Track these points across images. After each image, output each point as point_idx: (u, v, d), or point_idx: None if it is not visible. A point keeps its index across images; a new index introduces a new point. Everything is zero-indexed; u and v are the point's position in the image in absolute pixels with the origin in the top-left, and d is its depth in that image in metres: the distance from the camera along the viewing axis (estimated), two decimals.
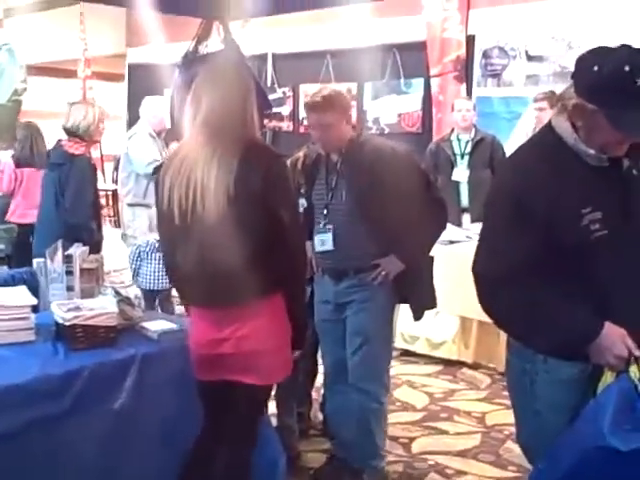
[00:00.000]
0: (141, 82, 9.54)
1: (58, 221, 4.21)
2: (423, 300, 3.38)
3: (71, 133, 4.32)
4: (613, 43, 4.17)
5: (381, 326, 3.28)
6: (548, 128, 2.17)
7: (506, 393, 4.41)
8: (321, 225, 3.21)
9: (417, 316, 3.41)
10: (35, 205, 4.92)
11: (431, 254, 3.44)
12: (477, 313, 4.85)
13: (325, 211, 3.20)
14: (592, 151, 2.06)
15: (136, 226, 6.18)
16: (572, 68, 6.33)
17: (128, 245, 6.27)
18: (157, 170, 4.58)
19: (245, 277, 2.34)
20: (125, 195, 6.40)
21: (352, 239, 3.16)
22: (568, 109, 2.09)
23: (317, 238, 3.22)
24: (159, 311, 5.56)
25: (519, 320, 2.14)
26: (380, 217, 3.08)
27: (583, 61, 2.06)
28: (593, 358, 2.07)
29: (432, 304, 3.48)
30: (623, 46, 2.03)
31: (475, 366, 5.13)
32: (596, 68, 1.98)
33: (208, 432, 2.59)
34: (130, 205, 6.20)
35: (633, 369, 2.03)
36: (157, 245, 5.41)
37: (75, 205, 4.24)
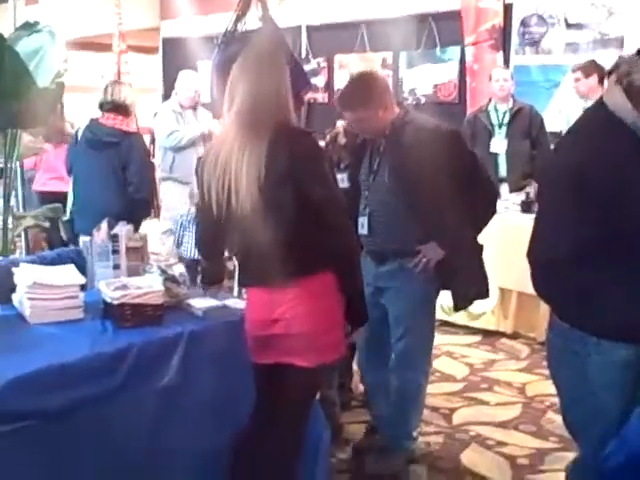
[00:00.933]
0: (175, 55, 9.56)
1: (115, 198, 4.28)
2: (466, 290, 3.26)
3: (112, 110, 4.38)
4: None
5: (421, 316, 3.25)
6: (601, 107, 2.10)
7: (546, 363, 4.47)
8: (362, 207, 3.21)
9: (458, 307, 3.34)
10: (54, 176, 5.23)
11: (480, 241, 3.32)
12: (516, 284, 4.92)
13: (366, 193, 3.19)
14: None
15: (167, 200, 6.30)
16: (613, 35, 6.25)
17: (165, 220, 6.38)
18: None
19: (287, 257, 2.35)
20: (157, 169, 6.46)
21: (392, 223, 3.12)
22: (624, 85, 2.02)
23: (359, 220, 3.21)
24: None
25: (575, 302, 2.12)
26: (421, 201, 3.03)
27: None
28: None
29: (480, 295, 3.35)
30: None
31: (514, 336, 5.15)
32: None
33: (262, 413, 2.61)
34: (162, 179, 6.34)
35: None
36: None
37: (141, 181, 4.42)
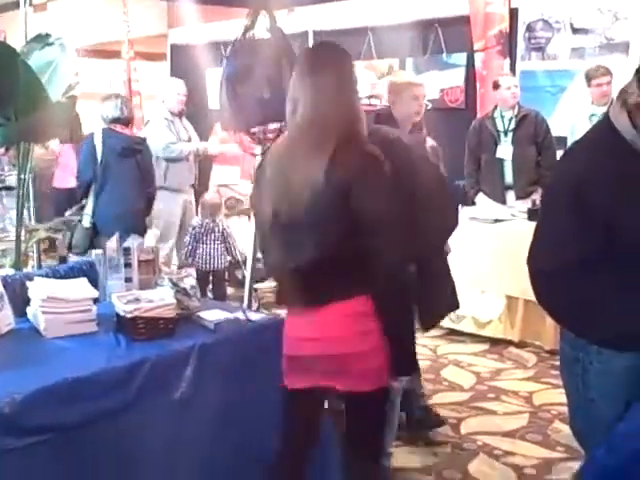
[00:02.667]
0: (183, 62, 9.62)
1: (139, 197, 5.09)
2: (433, 307, 2.95)
3: (122, 122, 4.85)
4: None
5: None
6: (606, 123, 2.15)
7: (553, 372, 4.50)
8: None
9: (425, 326, 3.00)
10: (70, 174, 6.14)
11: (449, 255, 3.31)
12: (523, 292, 4.94)
13: None
14: None
15: (160, 208, 6.38)
16: (619, 40, 6.23)
17: (157, 227, 6.44)
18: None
19: (331, 277, 2.30)
20: None
21: None
22: (628, 105, 2.07)
23: None
24: (210, 289, 5.75)
25: (574, 311, 2.16)
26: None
27: None
28: None
29: (450, 308, 3.28)
30: None
31: (521, 345, 5.17)
32: None
33: (299, 437, 2.56)
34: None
35: None
36: (212, 226, 5.60)
37: (152, 179, 5.32)
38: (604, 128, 2.15)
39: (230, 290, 6.26)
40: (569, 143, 5.82)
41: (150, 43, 10.23)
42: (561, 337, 2.40)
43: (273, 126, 3.53)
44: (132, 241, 3.13)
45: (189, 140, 6.44)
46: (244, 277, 5.91)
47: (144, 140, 5.19)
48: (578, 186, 2.06)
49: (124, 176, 4.99)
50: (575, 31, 6.61)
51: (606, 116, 2.17)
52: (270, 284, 5.74)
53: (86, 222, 4.91)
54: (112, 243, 3.16)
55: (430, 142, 3.76)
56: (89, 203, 4.96)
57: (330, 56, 2.45)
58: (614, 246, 2.05)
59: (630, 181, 2.04)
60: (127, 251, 3.09)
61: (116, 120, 4.91)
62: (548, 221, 2.22)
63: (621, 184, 2.03)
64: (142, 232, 4.81)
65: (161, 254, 6.19)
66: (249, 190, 6.21)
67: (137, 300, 2.83)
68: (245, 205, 6.41)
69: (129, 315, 2.74)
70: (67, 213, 5.26)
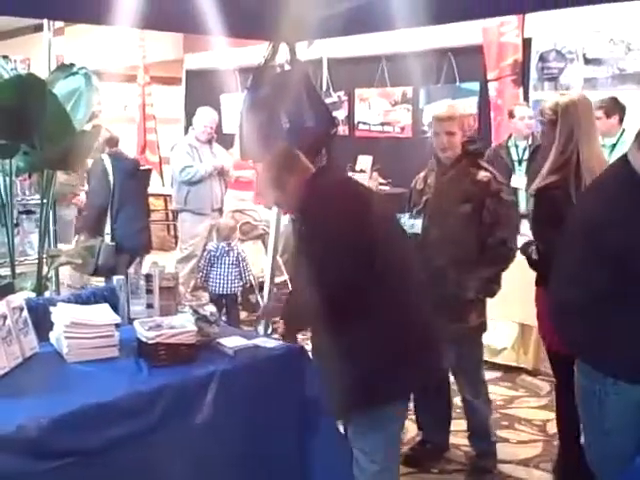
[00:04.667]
0: (198, 87, 9.75)
1: (145, 214, 5.63)
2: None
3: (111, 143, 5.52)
4: None
5: None
6: (623, 162, 2.21)
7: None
8: None
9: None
10: None
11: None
12: (536, 319, 4.94)
13: None
14: None
15: (184, 231, 6.54)
16: (631, 70, 6.26)
17: (180, 250, 6.60)
18: None
19: None
20: (172, 201, 7.10)
21: None
22: None
23: None
24: (223, 313, 5.81)
25: (592, 344, 2.21)
26: None
27: None
28: None
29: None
30: None
31: (535, 372, 5.17)
32: None
33: None
34: (177, 211, 6.79)
35: None
36: (227, 249, 5.66)
37: None
38: (621, 168, 2.21)
39: (243, 314, 6.30)
40: None
41: (166, 68, 10.37)
42: (577, 368, 2.44)
43: None
44: (154, 268, 3.17)
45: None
46: (257, 302, 5.97)
47: (139, 162, 5.91)
48: (595, 225, 2.12)
49: (135, 194, 5.51)
50: (588, 62, 6.68)
51: (624, 156, 2.22)
52: None
53: (108, 240, 5.16)
54: (133, 269, 3.21)
55: (481, 175, 3.54)
56: (107, 224, 5.16)
57: None
58: (628, 282, 2.09)
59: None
60: (149, 277, 3.14)
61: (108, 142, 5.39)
62: (566, 257, 2.27)
63: (631, 224, 2.08)
64: (149, 249, 5.69)
65: (181, 274, 6.34)
66: (264, 215, 6.35)
67: (159, 326, 2.87)
68: (260, 230, 6.46)
69: (151, 341, 2.78)
70: (81, 239, 5.41)
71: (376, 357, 2.62)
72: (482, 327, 3.80)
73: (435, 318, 2.87)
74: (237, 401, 2.78)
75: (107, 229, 5.18)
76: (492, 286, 3.64)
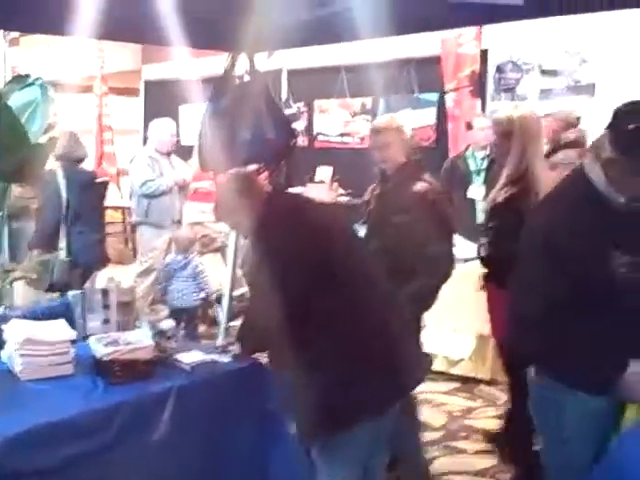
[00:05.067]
0: (157, 98, 9.68)
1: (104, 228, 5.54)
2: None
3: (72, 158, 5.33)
4: (625, 57, 4.31)
5: None
6: (580, 173, 2.24)
7: None
8: None
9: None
10: None
11: None
12: (493, 330, 4.97)
13: None
14: (622, 199, 2.14)
15: (143, 244, 6.46)
16: (585, 82, 6.35)
17: (139, 263, 6.50)
18: None
19: None
20: (131, 214, 6.94)
21: None
22: (602, 158, 2.16)
23: None
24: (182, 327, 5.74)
25: (549, 355, 2.23)
26: None
27: (618, 117, 2.13)
28: (620, 393, 2.16)
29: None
30: None
31: (492, 382, 5.18)
32: (631, 127, 2.06)
33: None
34: (137, 224, 6.62)
35: None
36: (184, 263, 5.60)
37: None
38: (578, 178, 2.24)
39: (202, 328, 6.23)
40: None
41: (124, 78, 10.27)
42: (534, 378, 2.45)
43: (252, 167, 3.57)
44: (110, 283, 3.12)
45: None
46: (217, 315, 5.91)
47: (96, 174, 5.74)
48: (551, 236, 2.15)
49: (90, 208, 5.32)
50: (543, 73, 6.79)
51: (580, 167, 2.25)
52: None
53: (62, 256, 4.97)
54: (90, 283, 3.15)
55: (418, 186, 3.44)
56: (62, 238, 5.00)
57: None
58: (588, 292, 2.12)
59: (599, 230, 2.13)
60: (105, 293, 3.09)
61: (67, 156, 5.18)
62: (523, 269, 2.29)
63: (591, 234, 2.11)
64: (106, 263, 5.47)
65: (141, 287, 6.26)
66: (223, 227, 6.30)
67: (115, 342, 2.83)
68: (219, 243, 6.41)
69: (106, 358, 2.74)
70: (34, 254, 5.29)
71: (340, 373, 2.58)
72: None
73: (405, 333, 2.84)
74: (195, 417, 2.75)
75: (62, 243, 5.01)
76: (424, 302, 3.48)
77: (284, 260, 2.52)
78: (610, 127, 2.13)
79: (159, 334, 2.96)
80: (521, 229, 2.44)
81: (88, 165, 6.78)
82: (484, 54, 7.10)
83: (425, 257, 3.29)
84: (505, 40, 6.87)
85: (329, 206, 2.99)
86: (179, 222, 6.63)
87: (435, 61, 7.29)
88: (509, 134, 3.27)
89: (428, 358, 3.16)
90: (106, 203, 8.34)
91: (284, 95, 8.43)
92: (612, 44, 6.20)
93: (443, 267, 3.39)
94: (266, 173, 3.90)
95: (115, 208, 9.61)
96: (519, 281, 2.30)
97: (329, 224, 2.79)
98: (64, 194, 5.03)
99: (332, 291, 2.58)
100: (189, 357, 2.95)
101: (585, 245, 2.10)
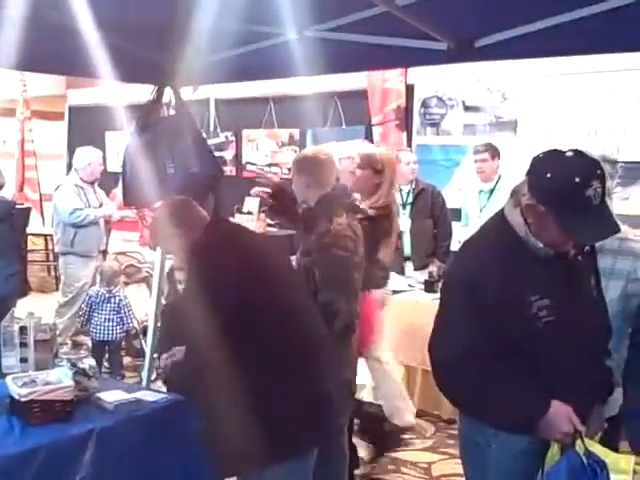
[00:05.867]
0: (82, 123, 9.52)
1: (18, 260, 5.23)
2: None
3: None
4: (544, 95, 4.48)
5: None
6: (501, 218, 2.29)
7: (450, 441, 4.58)
8: None
9: None
10: None
11: None
12: (421, 361, 5.03)
13: None
14: (541, 245, 2.20)
15: (68, 274, 6.32)
16: (507, 118, 6.56)
17: (63, 293, 6.35)
18: None
19: None
20: (56, 243, 6.71)
21: None
22: (521, 205, 2.22)
23: None
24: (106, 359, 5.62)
25: (473, 398, 2.27)
26: None
27: (537, 165, 2.18)
28: (541, 433, 2.21)
29: None
30: (576, 154, 2.16)
31: (419, 414, 5.22)
32: (549, 175, 2.11)
33: None
34: (62, 253, 6.47)
35: (579, 444, 2.18)
36: (108, 296, 5.50)
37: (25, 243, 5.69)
38: (498, 223, 2.29)
39: (127, 359, 6.12)
40: (462, 215, 6.08)
41: (48, 102, 10.08)
42: (459, 420, 2.49)
43: None
44: (29, 319, 3.03)
45: (100, 207, 6.48)
46: (141, 347, 5.81)
47: (15, 203, 5.37)
48: (471, 281, 2.19)
49: (4, 239, 4.98)
50: (467, 109, 6.95)
51: (501, 211, 2.30)
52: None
53: None
54: (7, 320, 3.05)
55: (322, 227, 3.24)
56: None
57: None
58: (508, 338, 2.17)
59: (519, 274, 2.18)
60: (23, 330, 2.99)
61: None
62: (445, 314, 2.33)
63: (510, 278, 2.17)
64: (26, 293, 5.36)
65: (63, 319, 6.11)
66: (148, 257, 6.21)
67: (33, 382, 2.73)
68: (144, 273, 6.32)
69: (24, 398, 2.63)
70: None
71: (264, 408, 2.57)
72: None
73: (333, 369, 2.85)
74: (118, 458, 2.67)
75: None
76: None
77: (222, 280, 2.52)
78: (529, 174, 2.19)
79: (80, 373, 2.87)
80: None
81: (8, 191, 6.61)
82: (410, 89, 7.23)
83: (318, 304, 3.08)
84: (430, 76, 7.03)
85: (267, 236, 3.00)
86: (104, 252, 6.54)
87: (362, 94, 7.39)
88: (380, 171, 3.98)
89: (353, 401, 3.07)
90: (28, 230, 8.14)
91: (212, 124, 8.40)
92: (532, 82, 6.41)
93: (332, 316, 3.12)
94: None
95: (37, 235, 9.37)
96: (440, 325, 2.33)
97: (267, 251, 2.81)
98: None
99: (266, 317, 2.59)
100: (112, 396, 2.87)
101: (506, 290, 2.15)
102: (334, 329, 3.13)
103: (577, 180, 2.07)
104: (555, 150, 2.19)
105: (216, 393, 2.51)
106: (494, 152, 5.84)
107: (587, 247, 2.35)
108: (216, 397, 2.51)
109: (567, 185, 2.08)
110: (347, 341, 3.32)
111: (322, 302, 3.11)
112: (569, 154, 2.15)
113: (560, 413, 2.17)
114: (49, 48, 3.08)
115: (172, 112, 3.86)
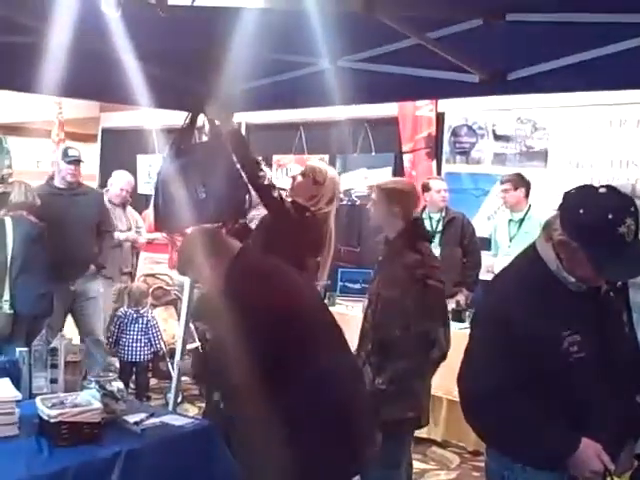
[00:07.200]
0: (114, 146, 9.65)
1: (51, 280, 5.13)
2: None
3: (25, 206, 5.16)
4: (575, 125, 4.43)
5: None
6: (532, 252, 2.29)
7: (475, 474, 4.53)
8: None
9: None
10: None
11: None
12: (446, 391, 5.00)
13: None
14: (573, 279, 2.19)
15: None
16: (537, 148, 6.55)
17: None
18: None
19: None
20: None
21: None
22: (553, 239, 2.21)
23: None
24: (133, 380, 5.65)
25: (502, 434, 2.25)
26: None
27: (570, 200, 2.17)
28: (571, 471, 2.18)
29: None
30: (609, 190, 2.14)
31: (445, 444, 5.19)
32: (582, 211, 2.11)
33: None
34: None
35: None
36: (136, 316, 5.54)
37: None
38: (530, 256, 2.28)
39: (153, 381, 6.15)
40: (492, 245, 6.06)
41: (81, 125, 10.22)
42: (486, 453, 2.47)
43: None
44: (59, 341, 3.06)
45: (128, 229, 6.50)
46: (168, 369, 5.84)
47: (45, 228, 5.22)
48: (503, 317, 2.18)
49: (37, 260, 5.06)
50: (497, 138, 6.94)
51: (533, 245, 2.30)
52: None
53: (6, 308, 4.85)
54: (39, 340, 3.09)
55: (410, 258, 3.28)
56: (5, 289, 4.89)
57: None
58: (541, 374, 2.15)
59: (551, 309, 2.17)
60: (54, 351, 3.03)
61: (21, 206, 5.04)
62: (476, 348, 2.31)
63: (542, 313, 2.15)
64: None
65: None
66: (177, 280, 6.25)
67: (62, 404, 2.76)
68: (172, 296, 6.36)
69: (53, 420, 2.67)
70: None
71: (308, 442, 2.56)
72: (400, 424, 3.31)
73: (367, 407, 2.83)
74: None
75: (6, 295, 4.85)
76: (410, 380, 3.29)
77: (255, 315, 2.52)
78: (562, 209, 2.18)
79: (108, 395, 2.90)
80: None
81: None
82: (440, 117, 7.24)
83: (411, 335, 3.16)
84: (460, 105, 7.02)
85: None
86: (130, 274, 6.57)
87: (392, 122, 7.41)
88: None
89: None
90: None
91: None
92: (562, 112, 6.39)
93: (428, 347, 3.21)
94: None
95: None
96: (472, 358, 2.32)
97: (300, 286, 2.83)
98: (10, 245, 4.92)
99: (299, 353, 2.59)
100: (139, 419, 2.90)
101: (538, 325, 2.14)
102: (431, 358, 3.25)
103: (610, 217, 2.05)
104: (588, 186, 2.19)
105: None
106: (517, 183, 5.82)
107: (619, 282, 2.33)
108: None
109: (600, 222, 2.07)
110: (437, 368, 3.41)
111: (419, 333, 3.18)
112: (602, 190, 2.14)
113: (590, 451, 2.14)
114: (88, 76, 3.15)
115: (205, 138, 3.91)
